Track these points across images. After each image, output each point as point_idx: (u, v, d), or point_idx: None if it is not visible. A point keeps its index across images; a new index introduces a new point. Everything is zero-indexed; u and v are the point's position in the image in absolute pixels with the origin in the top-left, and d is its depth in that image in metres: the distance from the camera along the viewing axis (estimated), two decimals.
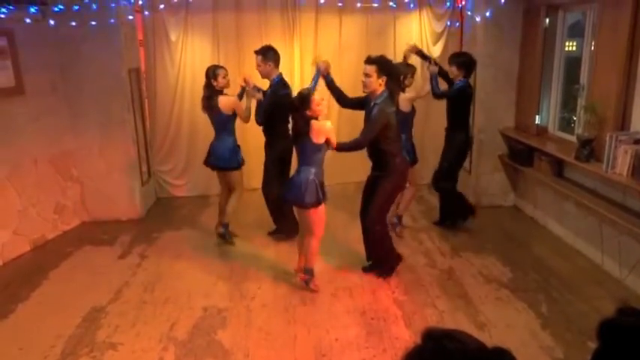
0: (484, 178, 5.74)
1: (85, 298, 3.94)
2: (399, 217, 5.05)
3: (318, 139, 3.63)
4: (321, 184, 3.74)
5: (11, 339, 3.46)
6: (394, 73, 3.82)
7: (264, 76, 4.58)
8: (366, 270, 4.20)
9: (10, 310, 3.81)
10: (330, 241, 4.49)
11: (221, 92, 4.51)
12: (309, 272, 3.94)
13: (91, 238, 5.14)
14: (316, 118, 3.62)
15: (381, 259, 4.14)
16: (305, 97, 3.63)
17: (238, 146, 4.68)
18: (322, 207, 3.76)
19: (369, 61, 3.74)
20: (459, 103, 4.79)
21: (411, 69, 4.73)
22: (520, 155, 5.25)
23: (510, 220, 5.45)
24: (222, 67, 4.56)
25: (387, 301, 3.81)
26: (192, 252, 4.75)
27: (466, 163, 5.98)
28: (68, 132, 5.32)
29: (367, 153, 3.95)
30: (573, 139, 4.51)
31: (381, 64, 3.69)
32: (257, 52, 4.52)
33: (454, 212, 5.09)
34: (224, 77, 4.49)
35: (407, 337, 3.35)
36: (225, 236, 4.82)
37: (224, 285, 4.12)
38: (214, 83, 4.46)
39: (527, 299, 3.78)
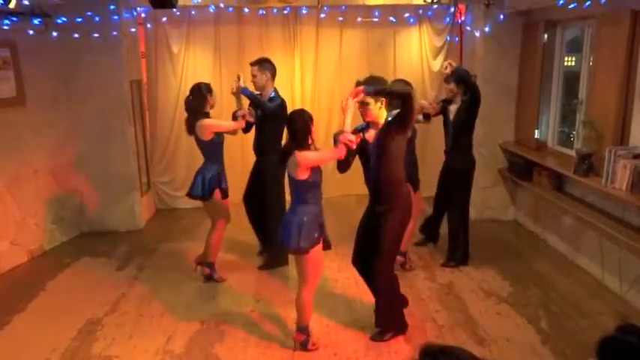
0: (484, 192, 5.74)
1: (81, 310, 3.91)
2: (404, 254, 4.50)
3: (300, 174, 3.09)
4: (318, 227, 3.19)
5: (6, 351, 3.42)
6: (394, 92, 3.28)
7: (259, 88, 4.36)
8: (374, 338, 3.50)
9: (5, 321, 3.77)
10: (331, 255, 4.47)
11: (207, 114, 4.13)
12: (304, 331, 3.32)
13: (89, 250, 5.12)
14: (308, 148, 3.15)
15: (392, 317, 3.50)
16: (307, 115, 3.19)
17: (219, 174, 4.19)
18: (314, 253, 3.17)
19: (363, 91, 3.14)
20: (466, 117, 4.41)
21: (410, 88, 4.13)
22: (520, 169, 5.26)
23: (510, 234, 5.44)
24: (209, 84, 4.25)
25: None
26: (190, 264, 4.72)
27: None
28: (68, 143, 5.33)
29: (366, 181, 3.41)
30: (572, 153, 4.52)
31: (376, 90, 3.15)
32: (253, 64, 4.34)
33: (460, 250, 4.61)
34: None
35: (406, 352, 3.32)
36: (212, 276, 4.35)
37: (222, 298, 4.09)
38: (209, 99, 4.11)
39: (527, 314, 3.76)
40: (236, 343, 3.46)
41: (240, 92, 4.25)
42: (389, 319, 3.50)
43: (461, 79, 4.37)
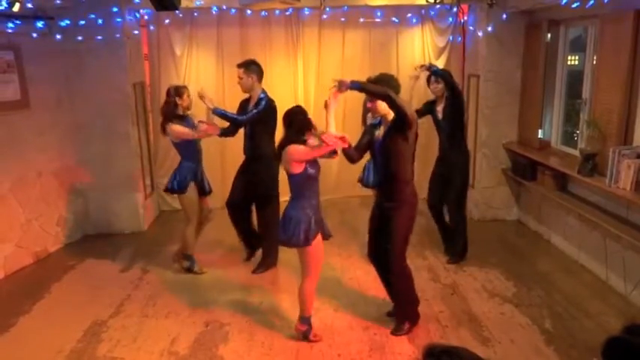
0: (487, 192, 5.73)
1: (86, 311, 3.92)
2: None
3: (293, 167, 3.20)
4: (317, 221, 3.27)
5: (11, 353, 3.44)
6: (397, 88, 3.39)
7: (245, 90, 4.36)
8: (394, 333, 3.57)
9: (11, 323, 3.79)
10: (335, 256, 4.48)
11: (181, 116, 4.26)
12: (306, 322, 3.43)
13: (94, 252, 5.13)
14: (303, 142, 3.25)
15: (407, 303, 3.59)
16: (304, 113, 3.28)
17: (194, 170, 4.38)
18: (315, 246, 3.25)
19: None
20: (457, 112, 4.47)
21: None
22: (523, 169, 5.25)
23: (514, 235, 5.43)
24: (185, 87, 4.42)
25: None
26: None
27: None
28: (72, 145, 5.35)
29: (376, 177, 3.65)
30: (576, 153, 4.50)
31: (385, 82, 3.25)
32: (239, 65, 4.31)
33: (462, 244, 4.71)
34: (188, 96, 4.29)
35: (410, 353, 3.32)
36: (191, 268, 4.56)
37: (226, 299, 4.10)
38: (179, 102, 4.22)
39: (531, 314, 3.75)
40: (240, 344, 3.47)
41: (213, 113, 4.30)
42: (406, 309, 3.57)
43: (445, 77, 4.38)
